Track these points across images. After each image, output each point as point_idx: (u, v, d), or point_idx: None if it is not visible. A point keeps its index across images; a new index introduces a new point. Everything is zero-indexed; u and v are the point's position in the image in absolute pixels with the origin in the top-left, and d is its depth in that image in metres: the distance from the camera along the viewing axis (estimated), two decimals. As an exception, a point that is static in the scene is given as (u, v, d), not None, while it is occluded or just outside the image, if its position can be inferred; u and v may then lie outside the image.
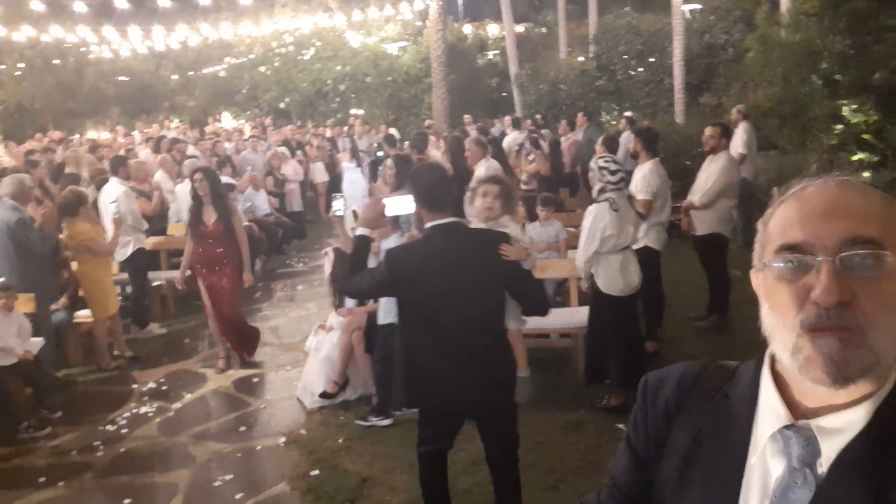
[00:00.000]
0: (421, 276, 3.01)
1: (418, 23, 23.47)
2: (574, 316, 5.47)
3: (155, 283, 7.80)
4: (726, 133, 6.27)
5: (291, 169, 12.39)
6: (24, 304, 5.66)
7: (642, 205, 5.32)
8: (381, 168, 8.08)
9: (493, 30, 25.66)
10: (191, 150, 12.08)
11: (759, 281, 0.98)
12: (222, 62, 25.38)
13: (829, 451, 0.91)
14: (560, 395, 5.11)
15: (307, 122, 22.18)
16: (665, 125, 12.64)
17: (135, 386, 5.98)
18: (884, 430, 0.90)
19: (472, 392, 3.08)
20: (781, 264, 0.92)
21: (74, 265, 6.46)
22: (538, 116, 15.15)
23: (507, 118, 14.70)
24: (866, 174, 7.48)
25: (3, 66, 22.15)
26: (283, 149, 13.26)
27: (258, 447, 4.78)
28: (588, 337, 5.07)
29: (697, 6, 16.10)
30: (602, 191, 4.64)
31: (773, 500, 0.94)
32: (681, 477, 1.05)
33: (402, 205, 3.23)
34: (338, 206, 4.52)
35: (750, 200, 8.19)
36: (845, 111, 8.19)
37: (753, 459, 0.97)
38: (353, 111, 22.53)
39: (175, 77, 27.29)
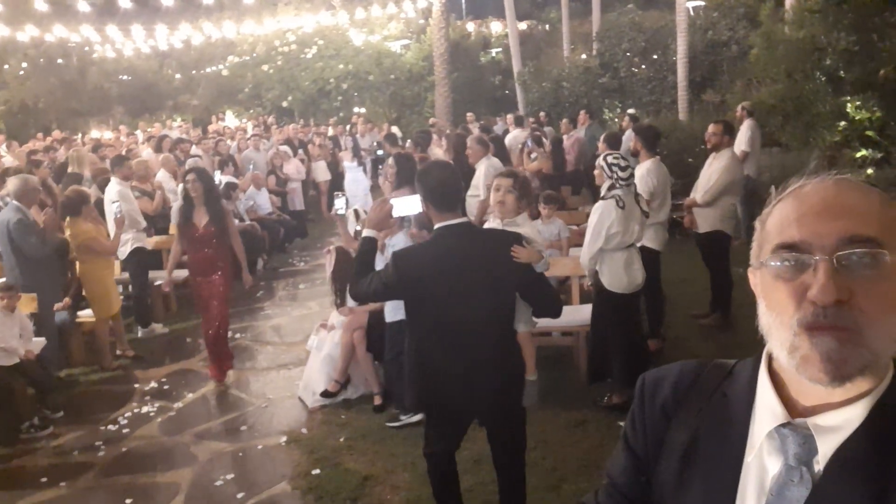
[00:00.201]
0: (429, 278, 2.94)
1: (421, 21, 23.49)
2: (576, 314, 5.46)
3: (157, 283, 7.80)
4: (729, 130, 6.24)
5: (294, 168, 12.39)
6: (27, 304, 5.67)
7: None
8: (380, 167, 8.07)
9: (496, 27, 25.65)
10: (194, 149, 12.10)
11: (757, 279, 0.98)
12: (225, 61, 25.41)
13: (826, 449, 0.91)
14: (562, 393, 5.10)
15: (310, 120, 22.20)
16: (668, 122, 12.61)
17: (137, 385, 5.99)
18: (880, 428, 0.90)
19: (480, 395, 3.03)
20: (779, 263, 0.92)
21: (77, 265, 6.47)
22: (542, 114, 15.11)
23: (510, 116, 14.67)
24: (870, 171, 7.46)
25: (6, 66, 22.23)
26: (286, 147, 13.27)
27: (259, 446, 4.78)
28: (591, 335, 5.06)
29: (701, 3, 16.06)
30: (611, 188, 4.62)
31: (769, 498, 0.95)
32: (679, 476, 1.05)
33: (409, 205, 3.18)
34: (340, 204, 4.51)
35: (753, 198, 8.17)
36: (849, 108, 8.16)
37: (750, 458, 0.98)
38: (355, 109, 22.55)
39: (178, 76, 27.35)
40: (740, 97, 10.15)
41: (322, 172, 13.30)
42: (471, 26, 26.18)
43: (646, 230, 5.49)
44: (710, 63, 15.26)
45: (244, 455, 4.69)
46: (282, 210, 11.21)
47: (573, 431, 4.56)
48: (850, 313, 0.86)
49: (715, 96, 13.81)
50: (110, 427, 5.21)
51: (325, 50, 23.21)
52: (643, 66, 16.56)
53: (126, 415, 5.41)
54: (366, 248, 3.13)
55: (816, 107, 9.00)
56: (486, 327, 2.99)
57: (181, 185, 8.71)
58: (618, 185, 4.60)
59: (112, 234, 6.55)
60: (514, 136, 11.76)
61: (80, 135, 20.09)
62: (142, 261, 7.22)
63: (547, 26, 25.07)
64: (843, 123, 8.28)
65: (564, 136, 11.17)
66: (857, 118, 8.07)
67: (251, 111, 24.81)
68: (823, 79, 9.13)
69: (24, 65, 22.49)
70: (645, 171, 5.62)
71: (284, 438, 4.83)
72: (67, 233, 6.29)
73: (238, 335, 7.00)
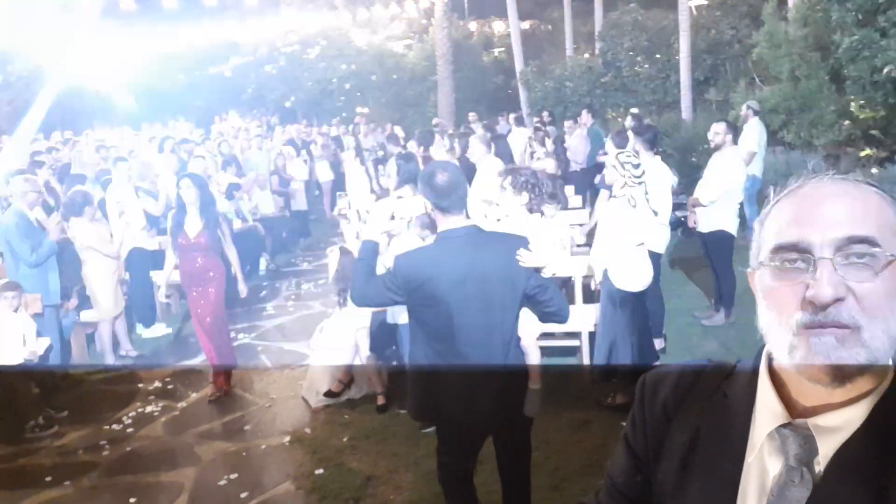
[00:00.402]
0: (432, 283, 2.83)
1: (423, 21, 23.47)
2: (579, 314, 5.45)
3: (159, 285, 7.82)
4: (733, 129, 6.23)
5: (296, 168, 12.41)
6: (31, 304, 5.68)
7: None
8: (381, 167, 8.08)
9: (498, 27, 25.60)
10: (197, 149, 12.10)
11: (756, 280, 0.98)
12: (228, 62, 25.43)
13: (827, 449, 0.91)
14: (565, 393, 5.10)
15: (313, 120, 22.22)
16: (671, 122, 12.60)
17: (140, 385, 6.00)
18: (881, 428, 0.90)
19: (482, 404, 2.93)
20: (777, 263, 0.92)
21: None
22: (545, 114, 15.09)
23: (511, 116, 14.67)
24: (874, 170, 7.44)
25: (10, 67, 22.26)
26: (289, 148, 13.28)
27: (263, 446, 4.79)
28: (599, 334, 5.03)
29: (704, 1, 16.02)
30: (624, 186, 4.62)
31: (770, 498, 0.95)
32: (679, 476, 1.05)
33: (411, 207, 3.11)
34: (342, 204, 4.52)
35: (758, 197, 8.15)
36: (853, 107, 8.15)
37: (751, 458, 0.97)
38: (358, 110, 22.55)
39: (181, 77, 27.35)
40: (743, 96, 10.12)
41: (325, 173, 13.32)
42: (473, 26, 26.13)
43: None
44: (712, 62, 15.22)
45: (247, 455, 4.70)
46: (285, 210, 11.23)
47: (576, 431, 4.56)
48: (849, 313, 0.86)
49: (718, 95, 13.77)
50: (114, 427, 5.23)
51: (328, 50, 23.22)
52: (646, 65, 16.51)
53: (130, 414, 5.42)
54: (366, 251, 3.04)
55: (820, 106, 9.00)
56: (490, 334, 2.89)
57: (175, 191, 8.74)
58: (630, 184, 4.60)
59: (114, 235, 6.56)
60: (517, 136, 11.76)
61: (83, 135, 20.13)
62: (142, 261, 7.23)
63: (549, 25, 25.00)
64: (846, 122, 8.27)
65: (574, 135, 11.10)
66: (860, 117, 8.06)
67: (254, 111, 24.83)
68: (827, 77, 9.12)
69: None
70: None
71: (288, 438, 4.84)
72: (70, 233, 6.31)
73: (241, 335, 7.02)
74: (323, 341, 5.50)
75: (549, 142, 10.70)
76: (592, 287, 5.62)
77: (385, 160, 9.02)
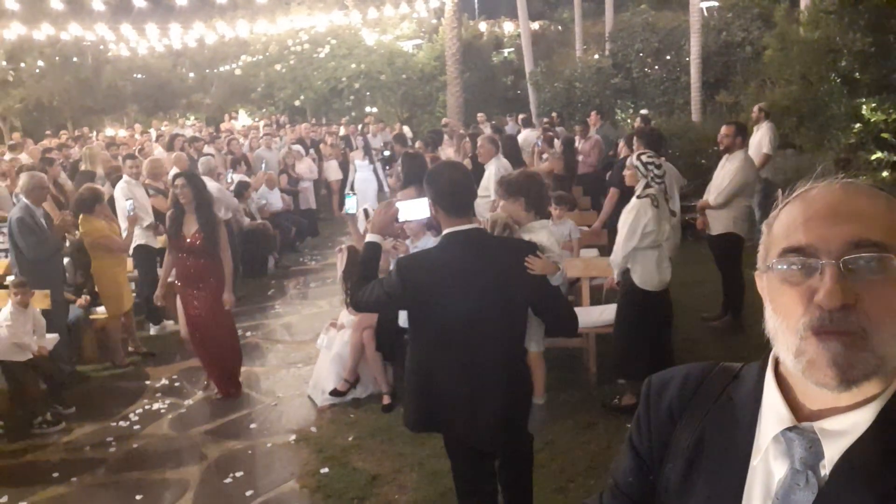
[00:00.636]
0: (435, 287, 2.70)
1: (433, 20, 23.48)
2: (586, 316, 5.43)
3: (169, 280, 7.82)
4: (742, 132, 6.20)
5: (305, 167, 12.43)
6: (40, 300, 5.71)
7: None
8: (387, 168, 8.08)
9: (508, 27, 25.60)
10: (206, 147, 12.15)
11: (764, 283, 0.98)
12: (238, 60, 25.54)
13: (832, 453, 0.91)
14: (571, 395, 5.09)
15: (322, 119, 22.26)
16: (681, 123, 12.55)
17: (148, 382, 6.02)
18: (888, 433, 0.89)
19: (484, 418, 2.78)
20: (785, 267, 0.92)
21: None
22: (553, 115, 15.07)
23: (520, 116, 14.65)
24: (885, 174, 7.39)
25: (22, 64, 22.44)
26: (298, 147, 13.31)
27: (268, 444, 4.80)
28: (618, 333, 4.98)
29: (715, 3, 15.94)
30: (646, 186, 4.61)
31: (775, 502, 0.94)
32: (684, 479, 1.05)
33: (416, 209, 2.96)
34: (350, 204, 4.51)
35: (769, 200, 8.10)
36: (864, 110, 8.09)
37: (756, 461, 0.97)
38: (367, 109, 22.59)
39: (192, 75, 27.50)
40: (754, 99, 10.09)
41: (333, 172, 13.34)
42: (483, 26, 26.14)
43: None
44: (723, 64, 15.17)
45: (253, 453, 4.71)
46: (293, 209, 11.25)
47: (581, 433, 4.54)
48: (856, 318, 0.86)
49: (728, 97, 13.72)
50: (121, 423, 5.25)
51: (338, 49, 23.27)
52: (656, 67, 16.48)
53: (137, 411, 5.44)
54: (369, 254, 2.88)
55: (831, 108, 8.94)
56: (494, 344, 2.74)
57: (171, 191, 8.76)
58: (653, 184, 4.59)
59: (124, 232, 6.59)
60: (525, 137, 11.74)
61: (94, 133, 20.25)
62: (150, 258, 7.25)
63: (559, 26, 24.99)
64: (858, 125, 8.22)
65: (588, 137, 11.05)
66: (872, 120, 8.01)
67: (263, 110, 24.91)
68: (838, 80, 9.06)
69: (40, 63, 22.69)
70: None
71: (293, 437, 4.85)
72: (80, 230, 6.34)
73: (248, 333, 7.04)
74: (329, 340, 5.51)
75: (557, 143, 10.67)
76: (607, 286, 5.57)
77: (393, 160, 9.03)
